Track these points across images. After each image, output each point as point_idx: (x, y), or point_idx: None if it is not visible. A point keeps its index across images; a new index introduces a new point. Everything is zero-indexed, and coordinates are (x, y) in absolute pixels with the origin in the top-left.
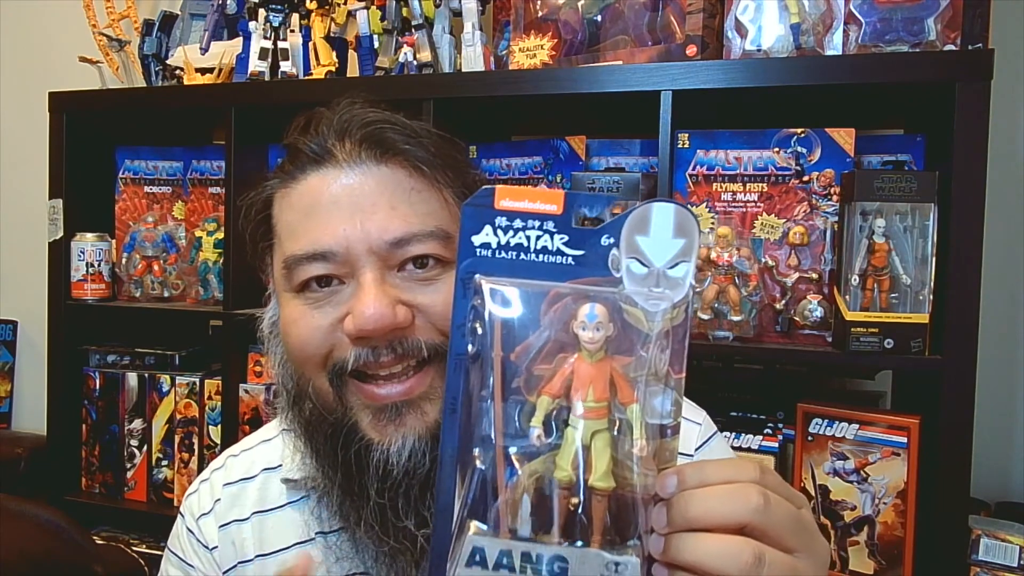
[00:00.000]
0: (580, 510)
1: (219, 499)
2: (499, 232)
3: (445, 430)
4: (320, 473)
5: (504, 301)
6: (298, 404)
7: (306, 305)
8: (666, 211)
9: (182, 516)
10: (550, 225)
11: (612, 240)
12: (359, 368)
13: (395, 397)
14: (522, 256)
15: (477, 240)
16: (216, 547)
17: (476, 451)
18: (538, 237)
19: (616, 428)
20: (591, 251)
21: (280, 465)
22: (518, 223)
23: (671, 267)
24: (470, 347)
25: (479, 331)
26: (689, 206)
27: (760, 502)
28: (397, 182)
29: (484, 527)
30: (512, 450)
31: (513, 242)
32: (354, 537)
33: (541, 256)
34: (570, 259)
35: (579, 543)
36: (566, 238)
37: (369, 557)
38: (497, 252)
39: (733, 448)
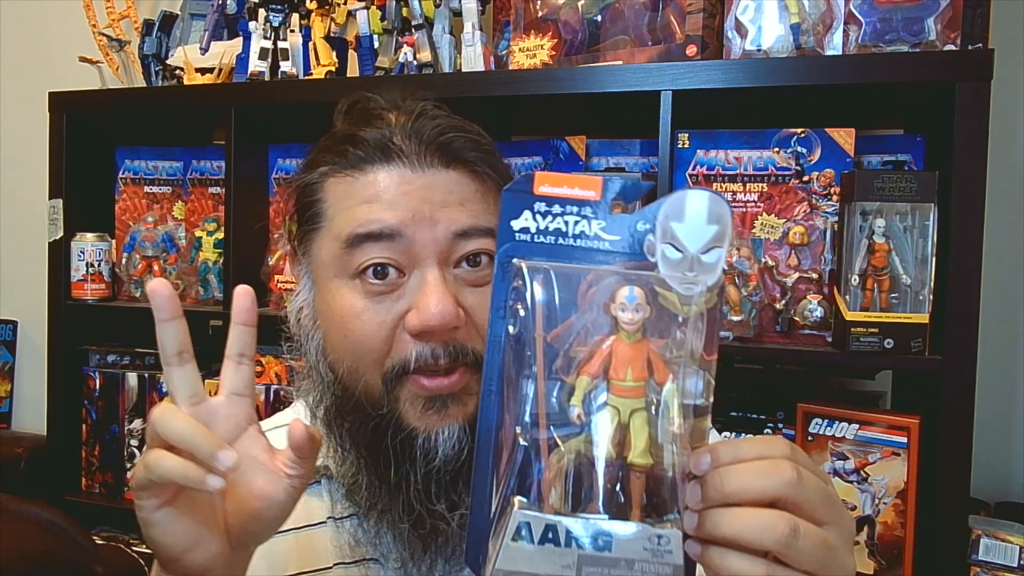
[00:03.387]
0: (619, 487)
1: None
2: (538, 217)
3: (483, 410)
4: (348, 462)
5: (544, 283)
6: (334, 394)
7: (364, 296)
8: (700, 198)
9: None
10: (588, 211)
11: (648, 226)
12: (419, 368)
13: (442, 390)
14: (560, 241)
15: (516, 225)
16: None
17: (518, 429)
18: (576, 222)
19: (653, 407)
20: (627, 236)
21: None
22: (556, 208)
23: (705, 252)
24: (511, 328)
25: (521, 312)
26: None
27: (794, 476)
28: (464, 184)
29: (528, 503)
30: (553, 429)
31: (551, 227)
32: (379, 523)
33: (579, 241)
34: (607, 244)
35: (620, 518)
36: (603, 223)
37: (398, 541)
38: (536, 237)
39: None
